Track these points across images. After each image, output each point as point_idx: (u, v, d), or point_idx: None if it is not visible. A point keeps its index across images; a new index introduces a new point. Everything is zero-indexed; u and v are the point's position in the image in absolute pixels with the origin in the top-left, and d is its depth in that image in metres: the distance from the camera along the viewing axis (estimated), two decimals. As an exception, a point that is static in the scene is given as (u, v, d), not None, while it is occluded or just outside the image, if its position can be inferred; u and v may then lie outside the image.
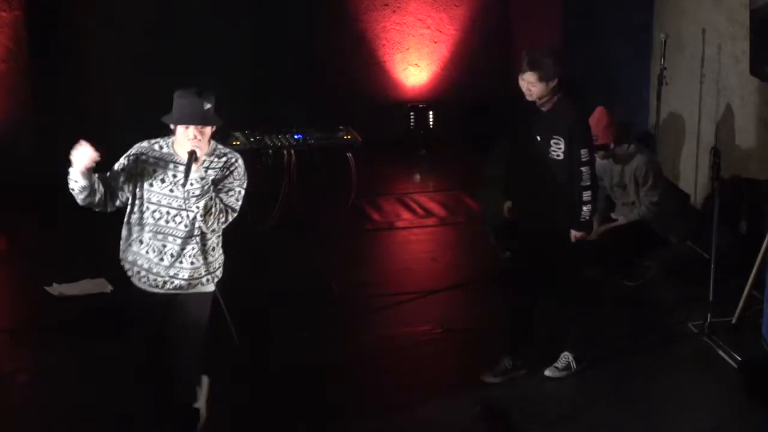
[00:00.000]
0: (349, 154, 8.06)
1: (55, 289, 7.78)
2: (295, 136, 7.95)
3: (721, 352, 6.91)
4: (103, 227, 9.01)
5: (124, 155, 5.52)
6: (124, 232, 5.50)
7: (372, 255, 8.78)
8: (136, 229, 5.44)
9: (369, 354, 7.07)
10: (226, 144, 7.81)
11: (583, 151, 6.31)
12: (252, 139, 7.93)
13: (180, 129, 5.32)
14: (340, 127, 8.23)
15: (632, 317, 7.56)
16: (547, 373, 6.60)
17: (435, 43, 10.78)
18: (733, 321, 7.16)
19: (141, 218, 5.41)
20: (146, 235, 5.40)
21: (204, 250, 5.40)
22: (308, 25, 10.29)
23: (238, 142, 7.91)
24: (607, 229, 7.98)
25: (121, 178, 5.47)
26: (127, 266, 5.53)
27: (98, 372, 6.72)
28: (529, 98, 6.30)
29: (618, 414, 6.29)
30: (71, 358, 6.89)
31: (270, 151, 7.82)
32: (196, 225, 5.32)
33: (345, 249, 8.59)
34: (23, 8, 9.53)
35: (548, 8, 10.37)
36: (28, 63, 9.61)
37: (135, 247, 5.46)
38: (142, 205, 5.41)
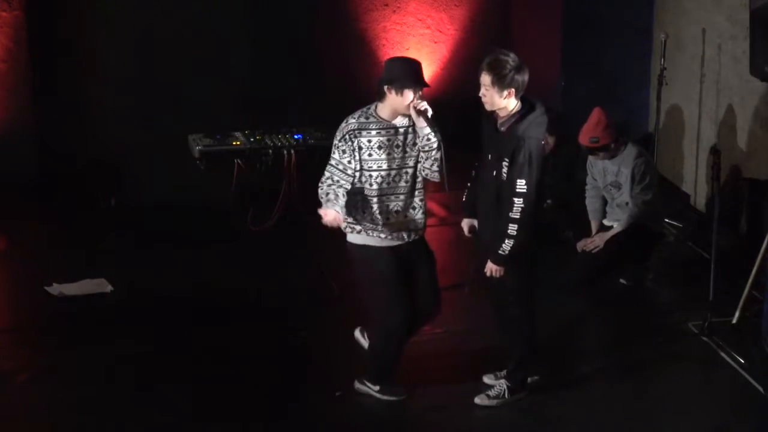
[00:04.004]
0: (349, 154, 8.05)
1: (55, 289, 7.78)
2: (295, 136, 7.94)
3: (721, 352, 6.91)
4: (103, 227, 9.07)
5: (338, 145, 6.04)
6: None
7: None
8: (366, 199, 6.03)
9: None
10: (225, 143, 7.90)
11: (521, 182, 5.86)
12: (252, 139, 7.92)
13: (408, 93, 5.88)
14: (340, 127, 8.22)
15: (632, 317, 7.57)
16: (476, 400, 6.32)
17: (435, 43, 10.77)
18: (733, 321, 7.16)
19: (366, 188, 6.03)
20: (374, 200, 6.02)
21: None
22: (308, 25, 10.29)
23: (238, 142, 7.91)
24: (609, 238, 7.99)
25: (349, 164, 6.02)
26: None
27: (98, 372, 6.72)
28: (486, 107, 6.00)
29: (617, 414, 6.29)
30: (71, 358, 6.89)
31: (270, 151, 7.81)
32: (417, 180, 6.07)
33: (345, 249, 8.57)
34: (23, 8, 9.52)
35: (548, 8, 10.38)
36: (28, 63, 9.61)
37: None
38: (362, 176, 6.01)
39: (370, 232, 6.06)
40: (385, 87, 5.93)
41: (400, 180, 6.03)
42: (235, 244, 8.29)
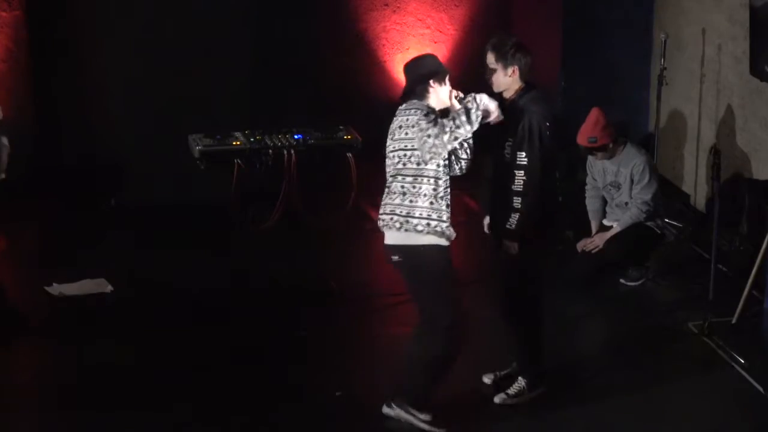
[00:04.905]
0: (350, 154, 8.05)
1: (55, 289, 7.78)
2: (295, 136, 7.94)
3: (721, 352, 6.91)
4: (103, 227, 9.07)
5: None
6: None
7: (372, 255, 8.77)
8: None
9: (369, 354, 7.08)
10: (225, 143, 7.91)
11: (521, 154, 5.95)
12: (252, 139, 7.93)
13: (448, 82, 5.97)
14: (340, 127, 8.23)
15: (632, 317, 7.57)
16: (496, 399, 6.32)
17: (435, 43, 10.77)
18: (733, 321, 7.16)
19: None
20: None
21: None
22: (308, 25, 10.29)
23: (238, 142, 7.91)
24: (609, 238, 8.00)
25: None
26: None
27: (98, 372, 6.72)
28: (493, 88, 6.12)
29: (618, 415, 6.29)
30: (71, 358, 6.89)
31: (270, 151, 7.82)
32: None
33: (345, 249, 8.59)
34: (23, 8, 9.51)
35: (548, 8, 10.37)
36: (28, 63, 9.60)
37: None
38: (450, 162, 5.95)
39: (446, 229, 5.85)
40: (431, 81, 5.90)
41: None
42: (235, 244, 8.29)
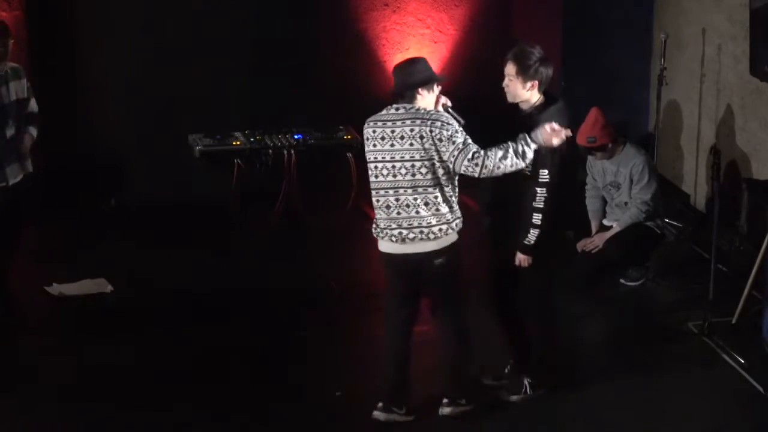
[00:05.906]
0: (350, 154, 8.06)
1: (55, 289, 7.79)
2: (295, 136, 7.96)
3: (721, 352, 6.91)
4: (103, 227, 9.08)
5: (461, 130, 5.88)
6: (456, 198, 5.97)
7: (372, 255, 8.75)
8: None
9: (368, 354, 7.07)
10: (225, 143, 7.92)
11: (543, 171, 5.94)
12: (252, 139, 7.94)
13: (437, 89, 5.95)
14: (340, 127, 8.24)
15: (632, 317, 7.57)
16: (512, 398, 6.35)
17: (435, 43, 10.77)
18: (733, 321, 7.17)
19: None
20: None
21: None
22: (308, 25, 10.29)
23: (238, 142, 7.92)
24: (609, 237, 8.00)
25: None
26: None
27: (98, 372, 6.72)
28: (509, 98, 6.06)
29: (618, 414, 6.29)
30: (71, 358, 6.89)
31: (270, 151, 7.83)
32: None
33: (345, 249, 8.59)
34: (23, 8, 9.52)
35: (548, 8, 10.38)
36: (28, 63, 9.60)
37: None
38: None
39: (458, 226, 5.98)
40: (420, 89, 5.86)
41: None
42: (235, 244, 8.29)
